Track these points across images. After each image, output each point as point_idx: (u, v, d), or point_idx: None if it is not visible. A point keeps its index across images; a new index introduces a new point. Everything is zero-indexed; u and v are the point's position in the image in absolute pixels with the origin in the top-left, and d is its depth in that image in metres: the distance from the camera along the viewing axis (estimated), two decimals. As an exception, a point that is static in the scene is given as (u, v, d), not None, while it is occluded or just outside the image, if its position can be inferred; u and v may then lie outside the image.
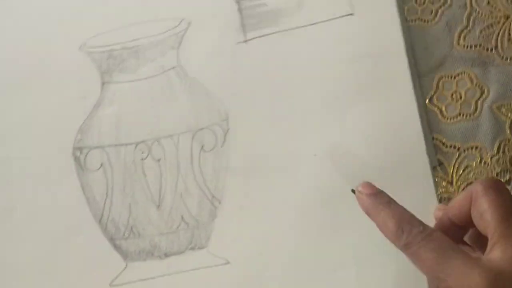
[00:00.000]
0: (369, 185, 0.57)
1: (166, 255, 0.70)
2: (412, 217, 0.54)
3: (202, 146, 0.70)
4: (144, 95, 0.71)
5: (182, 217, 0.69)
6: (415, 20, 0.70)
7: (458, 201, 0.56)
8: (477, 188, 0.53)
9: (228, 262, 0.68)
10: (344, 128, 0.68)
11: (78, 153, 0.71)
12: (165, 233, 0.70)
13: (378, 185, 0.57)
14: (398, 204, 0.55)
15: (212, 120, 0.70)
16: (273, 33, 0.70)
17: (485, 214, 0.52)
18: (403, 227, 0.53)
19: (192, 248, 0.70)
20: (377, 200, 0.56)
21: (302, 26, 0.69)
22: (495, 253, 0.50)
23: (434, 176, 0.67)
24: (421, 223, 0.53)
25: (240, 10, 0.71)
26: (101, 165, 0.71)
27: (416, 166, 0.67)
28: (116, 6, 0.74)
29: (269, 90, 0.70)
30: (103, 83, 0.72)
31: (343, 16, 0.69)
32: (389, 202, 0.55)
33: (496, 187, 0.53)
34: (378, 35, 0.69)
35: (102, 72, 0.72)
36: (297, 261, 0.67)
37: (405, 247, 0.53)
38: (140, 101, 0.71)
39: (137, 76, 0.72)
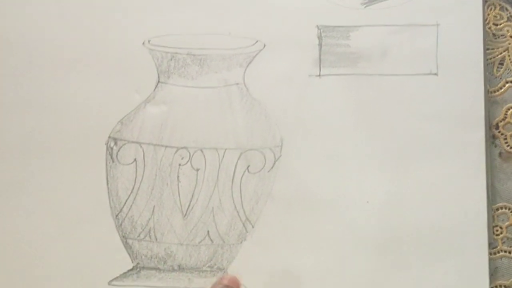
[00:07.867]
0: None
1: (180, 267, 0.64)
2: None
3: (248, 167, 0.65)
4: (199, 103, 0.68)
5: (208, 232, 0.64)
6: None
7: None
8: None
9: (246, 290, 0.62)
10: (403, 182, 0.64)
11: (112, 144, 0.67)
12: (185, 244, 0.64)
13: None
14: None
15: (265, 143, 0.66)
16: (350, 74, 0.67)
17: None
18: None
19: (211, 267, 0.64)
20: None
21: (381, 75, 0.67)
22: None
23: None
24: None
25: (320, 45, 0.68)
26: (134, 160, 0.66)
27: (472, 238, 0.62)
28: (192, 13, 0.71)
29: (332, 129, 0.66)
30: (158, 82, 0.68)
31: (426, 74, 0.66)
32: None
33: None
34: (458, 100, 0.66)
35: (160, 72, 0.68)
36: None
37: None
38: (193, 108, 0.68)
39: (196, 83, 0.68)
